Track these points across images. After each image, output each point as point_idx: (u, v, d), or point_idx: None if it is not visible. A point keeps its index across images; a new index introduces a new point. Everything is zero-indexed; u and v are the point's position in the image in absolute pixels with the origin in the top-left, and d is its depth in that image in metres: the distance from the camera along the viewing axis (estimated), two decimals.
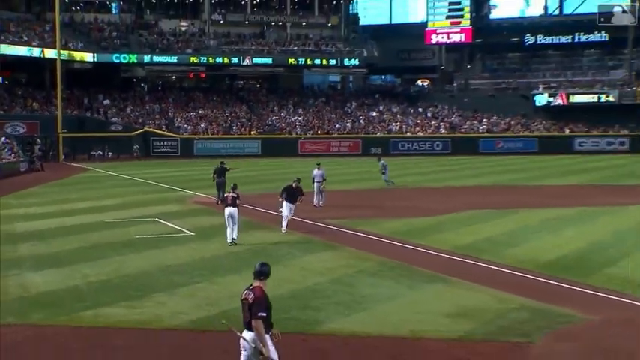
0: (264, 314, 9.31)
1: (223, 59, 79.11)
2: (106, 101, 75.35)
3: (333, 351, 12.62)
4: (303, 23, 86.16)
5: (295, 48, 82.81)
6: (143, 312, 14.99)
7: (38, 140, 62.10)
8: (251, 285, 9.63)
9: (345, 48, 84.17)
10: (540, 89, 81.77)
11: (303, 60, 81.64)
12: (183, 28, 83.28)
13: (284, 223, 24.49)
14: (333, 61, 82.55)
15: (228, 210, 22.48)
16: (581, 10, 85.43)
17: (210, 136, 71.79)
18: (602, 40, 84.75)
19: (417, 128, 78.14)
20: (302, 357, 11.33)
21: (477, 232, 24.60)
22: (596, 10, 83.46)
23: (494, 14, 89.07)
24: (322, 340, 12.97)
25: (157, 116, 74.64)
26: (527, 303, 15.51)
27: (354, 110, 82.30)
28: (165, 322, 14.33)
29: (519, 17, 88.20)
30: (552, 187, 41.22)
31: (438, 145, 74.65)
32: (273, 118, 78.17)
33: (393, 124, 78.64)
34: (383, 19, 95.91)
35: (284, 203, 24.64)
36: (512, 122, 79.08)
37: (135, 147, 68.09)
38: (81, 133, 65.40)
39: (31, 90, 72.65)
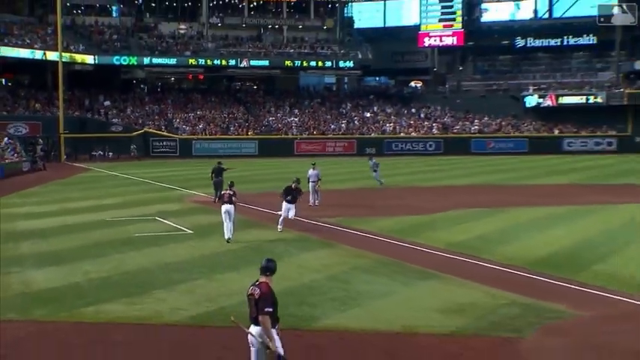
0: (271, 309, 9.34)
1: (221, 61, 79.04)
2: (107, 102, 75.24)
3: (328, 346, 12.61)
4: (299, 26, 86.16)
5: (291, 50, 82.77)
6: (143, 308, 14.97)
7: (40, 140, 62.03)
8: (257, 281, 9.64)
9: (340, 50, 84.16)
10: (530, 91, 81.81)
11: (299, 62, 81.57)
12: (181, 31, 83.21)
13: (280, 221, 24.49)
14: (328, 63, 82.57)
15: (224, 207, 22.69)
16: (570, 13, 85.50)
17: (208, 136, 71.73)
18: (591, 42, 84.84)
19: (411, 129, 78.14)
20: (298, 352, 11.29)
21: (469, 230, 24.61)
22: (584, 14, 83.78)
23: (486, 18, 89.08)
24: (318, 336, 12.96)
25: (156, 117, 74.55)
26: (518, 299, 15.54)
27: (348, 111, 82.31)
28: (165, 318, 14.31)
29: (510, 20, 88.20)
30: (542, 187, 41.25)
31: (430, 146, 74.72)
32: (270, 118, 78.13)
33: (387, 124, 78.63)
34: (377, 22, 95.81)
35: (283, 203, 24.56)
36: (503, 123, 79.13)
37: (132, 147, 68.05)
38: (82, 134, 65.27)
39: (34, 91, 72.53)
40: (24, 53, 68.23)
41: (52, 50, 66.92)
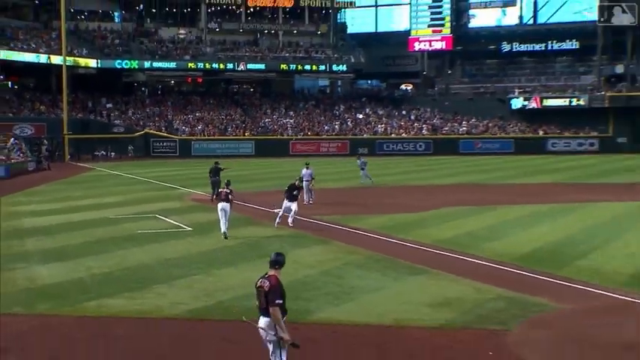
0: (281, 301, 9.37)
1: (219, 65, 78.99)
2: (109, 104, 75.12)
3: (322, 339, 12.60)
4: (295, 31, 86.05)
5: (287, 54, 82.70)
6: (144, 302, 14.94)
7: (45, 141, 61.98)
8: (266, 274, 9.63)
9: (333, 54, 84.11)
10: (516, 93, 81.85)
11: (294, 66, 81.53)
12: (181, 36, 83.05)
13: (279, 217, 24.41)
14: (322, 67, 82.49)
15: (221, 204, 22.82)
16: (554, 19, 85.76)
17: (206, 137, 71.67)
18: (573, 47, 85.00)
19: (401, 130, 78.16)
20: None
21: (457, 228, 24.62)
22: (567, 20, 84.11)
23: (473, 23, 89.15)
24: (312, 329, 12.94)
25: (156, 118, 74.46)
26: (504, 293, 15.54)
27: (342, 113, 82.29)
28: (165, 312, 14.29)
29: (496, 26, 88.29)
30: (527, 186, 41.30)
31: (420, 146, 74.78)
32: (266, 120, 78.08)
33: (379, 126, 78.63)
34: (369, 28, 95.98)
35: (284, 201, 24.50)
36: (490, 124, 79.18)
37: (129, 148, 68.01)
38: (85, 135, 65.15)
39: (39, 94, 72.35)
40: (29, 57, 68.11)
41: (57, 54, 66.77)
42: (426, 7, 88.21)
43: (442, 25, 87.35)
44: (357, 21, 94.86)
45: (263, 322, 9.45)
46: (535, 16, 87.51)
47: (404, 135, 76.88)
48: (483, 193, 36.45)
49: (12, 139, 56.44)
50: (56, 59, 66.77)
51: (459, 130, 78.55)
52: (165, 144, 69.57)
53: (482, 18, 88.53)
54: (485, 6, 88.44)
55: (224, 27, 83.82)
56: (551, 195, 35.16)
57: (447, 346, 12.29)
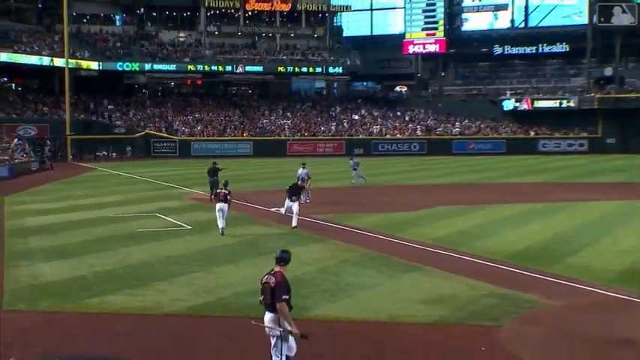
0: (287, 297, 9.42)
1: (218, 67, 78.93)
2: (110, 106, 75.05)
3: (319, 335, 12.57)
4: (292, 34, 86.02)
5: (284, 57, 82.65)
6: (144, 299, 14.93)
7: (48, 142, 61.92)
8: (272, 270, 9.65)
9: (329, 57, 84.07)
10: (507, 95, 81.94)
11: (292, 68, 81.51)
12: (181, 39, 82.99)
13: (294, 220, 23.96)
14: (318, 69, 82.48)
15: (219, 205, 22.86)
16: (544, 23, 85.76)
17: (206, 137, 71.58)
18: (563, 50, 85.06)
19: (396, 131, 78.16)
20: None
21: (450, 226, 24.64)
22: (557, 24, 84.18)
23: (466, 27, 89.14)
24: (309, 325, 12.86)
25: (157, 119, 74.37)
26: (496, 290, 15.56)
27: (338, 114, 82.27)
28: (165, 308, 14.28)
29: (488, 30, 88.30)
30: (519, 185, 41.34)
31: (415, 146, 74.83)
32: (264, 121, 78.03)
33: (374, 126, 78.63)
34: (364, 31, 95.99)
35: (286, 200, 24.30)
36: (482, 125, 79.24)
37: (128, 148, 68.00)
38: (87, 135, 65.03)
39: (42, 95, 72.25)
40: (33, 60, 68.00)
41: (59, 57, 66.67)
42: (420, 11, 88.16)
43: (436, 29, 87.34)
44: (353, 24, 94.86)
45: (268, 317, 9.49)
46: (526, 20, 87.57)
47: (398, 136, 76.90)
48: (476, 193, 36.46)
49: (16, 139, 56.36)
50: (59, 62, 66.70)
51: (452, 131, 78.58)
52: (165, 144, 69.51)
53: (474, 22, 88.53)
54: (478, 10, 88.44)
55: (223, 30, 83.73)
56: (542, 194, 35.19)
57: (440, 342, 12.30)
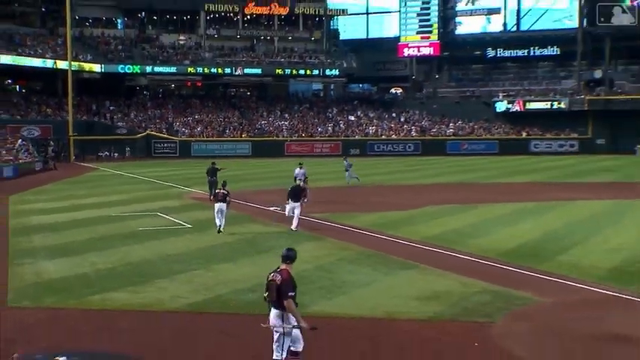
0: (293, 293, 9.44)
1: (217, 70, 78.86)
2: (112, 107, 74.97)
3: (317, 331, 12.57)
4: (289, 37, 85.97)
5: (282, 60, 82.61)
6: (146, 296, 14.92)
7: (51, 142, 61.86)
8: (278, 268, 9.66)
9: (326, 60, 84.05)
10: (500, 97, 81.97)
11: (289, 70, 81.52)
12: (181, 42, 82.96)
13: (295, 222, 23.36)
14: (316, 72, 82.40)
15: (218, 205, 22.76)
16: (536, 27, 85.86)
17: (205, 138, 71.51)
18: (554, 53, 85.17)
19: (391, 131, 78.17)
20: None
21: (444, 225, 24.64)
22: (548, 27, 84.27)
23: (460, 30, 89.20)
24: (307, 321, 12.91)
25: (157, 120, 74.30)
26: (489, 287, 15.57)
27: (334, 115, 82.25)
28: (166, 305, 14.27)
29: (481, 33, 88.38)
30: (511, 185, 41.37)
31: (409, 147, 74.81)
32: (263, 122, 77.98)
33: (370, 127, 78.63)
34: (360, 34, 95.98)
35: (289, 202, 23.80)
36: (476, 126, 79.27)
37: (127, 148, 67.94)
38: (89, 136, 64.97)
39: (45, 97, 72.11)
40: (36, 62, 67.88)
41: (62, 59, 66.59)
42: (415, 15, 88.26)
43: (430, 32, 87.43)
44: (349, 28, 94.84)
45: (273, 313, 9.51)
46: (518, 24, 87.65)
47: (394, 136, 76.91)
48: (469, 192, 36.48)
49: (20, 140, 56.29)
50: (62, 64, 66.60)
51: (446, 132, 78.60)
52: (165, 145, 69.42)
53: (468, 25, 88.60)
54: (471, 14, 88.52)
55: (222, 33, 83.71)
56: (534, 193, 35.22)
57: (435, 338, 12.31)
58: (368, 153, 71.25)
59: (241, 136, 73.31)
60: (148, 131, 69.69)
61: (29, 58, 67.54)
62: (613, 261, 18.34)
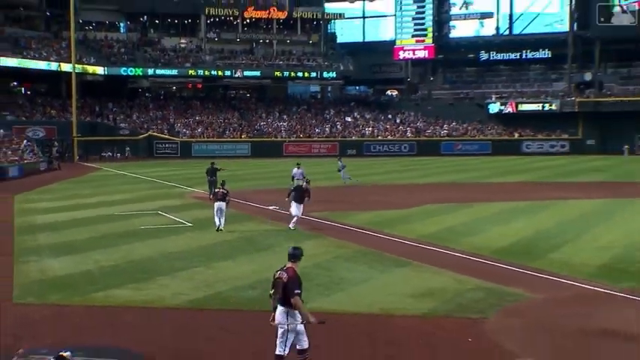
0: (299, 291, 9.47)
1: (218, 72, 78.85)
2: (115, 109, 74.91)
3: (314, 328, 12.56)
4: (288, 41, 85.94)
5: (281, 62, 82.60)
6: (148, 293, 14.91)
7: (56, 143, 61.89)
8: (285, 266, 9.67)
9: (324, 62, 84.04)
10: (493, 99, 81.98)
11: (288, 73, 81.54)
12: (182, 45, 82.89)
13: (292, 221, 23.20)
14: (313, 74, 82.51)
15: (217, 204, 22.79)
16: (528, 30, 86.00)
17: (206, 139, 71.48)
18: (546, 56, 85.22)
19: (387, 132, 78.16)
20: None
21: (439, 223, 24.64)
22: (540, 31, 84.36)
23: (454, 34, 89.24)
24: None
25: (159, 122, 74.26)
26: (482, 284, 15.58)
27: (332, 117, 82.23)
28: (168, 301, 14.27)
29: (475, 36, 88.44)
30: (504, 184, 41.38)
31: (405, 147, 74.85)
32: (262, 123, 77.95)
33: (366, 128, 78.64)
34: (357, 38, 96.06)
35: (292, 203, 23.50)
36: (469, 127, 79.28)
37: (126, 149, 67.90)
38: (93, 137, 64.98)
39: (50, 99, 72.07)
40: (41, 65, 67.83)
41: (66, 62, 66.54)
42: (410, 19, 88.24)
43: (425, 36, 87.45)
44: (346, 31, 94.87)
45: (279, 310, 9.51)
46: (510, 28, 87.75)
47: (389, 137, 76.90)
48: (463, 192, 36.48)
49: (25, 141, 56.22)
50: (66, 67, 66.54)
51: (441, 133, 78.61)
52: (167, 145, 69.38)
53: (461, 29, 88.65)
54: (465, 18, 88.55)
55: (222, 37, 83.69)
56: (526, 193, 35.22)
57: (430, 333, 12.32)
58: (364, 153, 71.32)
59: (241, 137, 73.27)
60: (150, 132, 69.69)
61: (34, 60, 67.47)
62: (602, 258, 18.36)
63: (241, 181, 37.91)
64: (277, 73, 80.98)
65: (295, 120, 79.81)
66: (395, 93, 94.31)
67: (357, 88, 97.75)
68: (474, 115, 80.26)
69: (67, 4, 63.09)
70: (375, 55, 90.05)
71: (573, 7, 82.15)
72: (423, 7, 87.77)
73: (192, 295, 14.64)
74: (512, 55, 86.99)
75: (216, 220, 22.70)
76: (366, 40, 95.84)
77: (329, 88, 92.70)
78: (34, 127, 63.20)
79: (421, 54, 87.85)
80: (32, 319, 13.04)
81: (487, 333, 12.31)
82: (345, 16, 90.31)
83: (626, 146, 70.54)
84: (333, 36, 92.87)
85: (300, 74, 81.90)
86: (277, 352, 9.64)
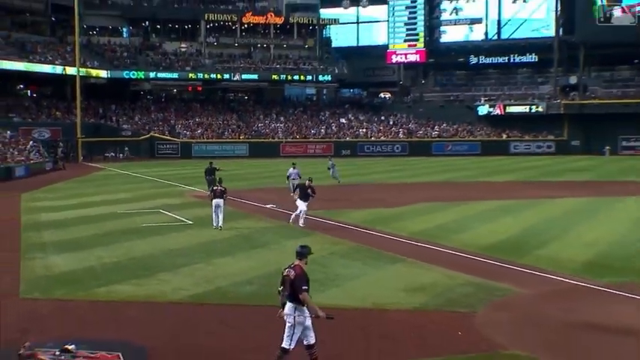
0: (306, 287, 9.50)
1: (217, 75, 78.85)
2: (118, 111, 74.79)
3: (315, 323, 12.57)
4: (284, 45, 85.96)
5: (277, 66, 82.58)
6: (150, 288, 14.89)
7: (61, 143, 61.75)
8: (292, 263, 9.67)
9: (319, 66, 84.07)
10: (482, 101, 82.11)
11: (284, 76, 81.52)
12: (183, 49, 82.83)
13: (301, 220, 23.13)
14: (309, 77, 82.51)
15: (215, 201, 22.80)
16: (515, 35, 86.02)
17: (205, 140, 71.43)
18: (533, 60, 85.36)
19: (380, 133, 78.21)
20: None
21: (430, 221, 24.64)
22: (527, 36, 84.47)
23: (444, 39, 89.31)
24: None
25: (160, 123, 74.16)
26: (472, 279, 15.59)
27: (327, 118, 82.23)
28: (169, 296, 14.24)
29: (464, 41, 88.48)
30: (492, 183, 41.44)
31: (397, 148, 74.91)
32: (259, 124, 77.92)
33: (360, 129, 78.67)
34: (351, 42, 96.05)
35: (298, 201, 23.44)
36: (459, 129, 79.36)
37: (125, 149, 67.80)
38: (96, 138, 64.87)
39: (55, 101, 71.89)
40: (47, 69, 67.65)
41: (71, 66, 66.38)
42: (402, 24, 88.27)
43: (416, 40, 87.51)
44: (341, 36, 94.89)
45: (288, 306, 9.49)
46: (499, 33, 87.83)
47: (382, 138, 76.96)
48: (453, 190, 36.52)
49: (31, 142, 56.09)
50: (71, 70, 66.39)
51: (432, 134, 78.70)
52: (168, 146, 69.32)
53: (452, 34, 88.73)
54: (455, 23, 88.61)
55: (221, 41, 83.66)
56: (513, 192, 35.26)
57: (421, 327, 12.33)
58: (358, 154, 71.38)
59: (239, 138, 73.23)
60: (151, 133, 69.61)
61: (40, 64, 67.31)
62: (587, 254, 18.40)
63: (239, 181, 37.88)
64: (274, 77, 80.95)
65: (292, 121, 79.79)
66: (388, 95, 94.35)
67: (352, 90, 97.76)
68: (463, 117, 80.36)
69: (71, 10, 62.93)
70: (369, 58, 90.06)
71: (559, 12, 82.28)
72: (415, 13, 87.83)
73: (192, 291, 14.62)
74: (501, 59, 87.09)
75: (214, 218, 22.67)
76: (360, 44, 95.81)
77: (324, 91, 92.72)
78: (40, 129, 63.08)
79: (413, 58, 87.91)
80: (38, 314, 13.01)
81: (476, 326, 12.32)
82: (340, 22, 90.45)
83: (607, 147, 70.76)
84: (329, 40, 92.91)
85: (296, 77, 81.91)
86: (283, 345, 9.62)
